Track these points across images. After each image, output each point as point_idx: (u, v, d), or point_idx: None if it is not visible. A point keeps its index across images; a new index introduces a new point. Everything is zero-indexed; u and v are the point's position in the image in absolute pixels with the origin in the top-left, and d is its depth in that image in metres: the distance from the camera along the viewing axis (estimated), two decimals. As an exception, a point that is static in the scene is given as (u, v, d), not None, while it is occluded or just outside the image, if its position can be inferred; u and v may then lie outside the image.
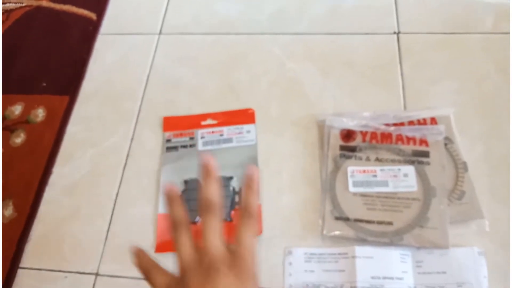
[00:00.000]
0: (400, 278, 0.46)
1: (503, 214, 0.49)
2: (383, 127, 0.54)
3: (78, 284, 0.50)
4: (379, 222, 0.49)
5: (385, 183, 0.51)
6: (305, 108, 0.58)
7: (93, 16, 0.70)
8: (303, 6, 0.67)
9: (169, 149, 0.56)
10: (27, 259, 0.52)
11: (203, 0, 0.70)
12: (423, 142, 0.52)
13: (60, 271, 0.51)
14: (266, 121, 0.58)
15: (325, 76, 0.61)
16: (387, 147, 0.53)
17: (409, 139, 0.53)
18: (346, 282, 0.47)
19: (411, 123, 0.54)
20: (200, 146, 0.56)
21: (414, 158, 0.52)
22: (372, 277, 0.46)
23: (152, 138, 0.58)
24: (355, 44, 0.63)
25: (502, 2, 0.64)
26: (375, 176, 0.51)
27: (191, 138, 0.56)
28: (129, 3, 0.72)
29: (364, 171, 0.52)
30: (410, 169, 0.51)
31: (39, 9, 0.73)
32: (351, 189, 0.51)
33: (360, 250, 0.48)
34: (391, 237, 0.48)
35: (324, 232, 0.49)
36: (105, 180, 0.56)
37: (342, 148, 0.54)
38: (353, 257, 0.48)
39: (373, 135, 0.54)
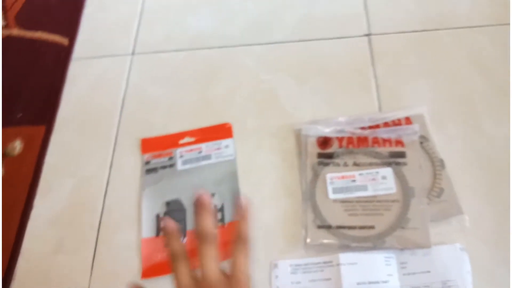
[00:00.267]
0: (386, 282, 0.47)
1: (482, 208, 0.50)
2: (358, 131, 0.54)
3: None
4: (361, 227, 0.49)
5: (364, 187, 0.51)
6: (282, 119, 0.58)
7: (65, 41, 0.70)
8: (274, 16, 0.68)
9: (148, 171, 0.56)
10: (13, 299, 0.52)
11: (174, 17, 0.70)
12: (399, 143, 0.53)
13: (48, 306, 0.51)
14: (244, 134, 0.58)
15: (299, 84, 0.61)
16: (364, 151, 0.53)
17: (385, 141, 0.53)
18: (332, 290, 0.47)
19: (386, 124, 0.55)
20: (179, 166, 0.56)
21: (391, 160, 0.52)
22: (358, 283, 0.47)
23: (131, 162, 0.58)
24: (327, 49, 0.64)
25: (468, -4, 0.65)
26: (354, 181, 0.52)
27: (170, 158, 0.56)
28: (100, 25, 0.71)
29: (342, 177, 0.52)
30: (388, 171, 0.51)
31: (10, 38, 0.72)
32: (331, 196, 0.51)
33: (344, 257, 0.48)
34: (374, 241, 0.48)
35: (308, 241, 0.50)
36: (87, 210, 0.56)
37: (320, 155, 0.54)
38: (338, 264, 0.48)
39: (350, 140, 0.54)
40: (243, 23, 0.68)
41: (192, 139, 0.58)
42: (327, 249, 0.49)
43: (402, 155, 0.52)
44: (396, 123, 0.55)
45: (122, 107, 0.63)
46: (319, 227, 0.50)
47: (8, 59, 0.70)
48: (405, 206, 0.49)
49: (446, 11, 0.64)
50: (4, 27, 0.73)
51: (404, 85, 0.59)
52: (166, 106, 0.62)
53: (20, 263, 0.53)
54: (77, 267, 0.52)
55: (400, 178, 0.51)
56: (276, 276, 0.49)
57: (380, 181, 0.51)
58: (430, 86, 0.59)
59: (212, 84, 0.63)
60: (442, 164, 0.52)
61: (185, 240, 0.51)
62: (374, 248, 0.48)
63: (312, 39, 0.65)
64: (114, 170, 0.58)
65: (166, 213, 0.53)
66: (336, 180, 0.52)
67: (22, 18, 0.74)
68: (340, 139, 0.54)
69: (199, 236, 0.36)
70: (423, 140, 0.53)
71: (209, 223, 0.36)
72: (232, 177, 0.55)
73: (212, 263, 0.35)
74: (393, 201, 0.50)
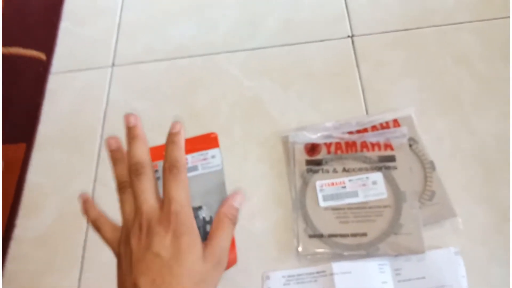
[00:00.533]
0: (381, 289, 0.46)
1: (475, 210, 0.49)
2: (346, 136, 0.53)
3: None
4: (353, 235, 0.48)
5: (355, 194, 0.50)
6: (268, 126, 0.57)
7: (42, 56, 0.68)
8: (256, 21, 0.67)
9: (132, 187, 0.54)
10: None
11: (154, 27, 0.69)
12: (388, 146, 0.52)
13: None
14: (230, 144, 0.57)
15: (284, 90, 0.60)
16: (353, 156, 0.52)
17: (373, 145, 0.52)
18: (327, 301, 0.46)
19: (374, 128, 0.54)
20: (164, 179, 0.54)
21: (381, 164, 0.51)
22: (353, 293, 0.46)
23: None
24: (311, 53, 0.63)
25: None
26: (344, 187, 0.51)
27: (156, 171, 0.55)
28: (78, 37, 0.70)
29: (332, 184, 0.51)
30: (378, 176, 0.51)
31: (-15, 55, 0.70)
32: (322, 203, 0.50)
33: (337, 266, 0.47)
34: (367, 249, 0.47)
35: (300, 251, 0.48)
36: (72, 227, 0.54)
37: (308, 162, 0.53)
38: (331, 274, 0.47)
39: (338, 145, 0.53)
40: (224, 30, 0.67)
41: None
42: (320, 258, 0.48)
43: (391, 159, 0.51)
44: (384, 126, 0.54)
45: (104, 122, 0.61)
46: (311, 236, 0.49)
47: (-16, 76, 0.68)
48: (397, 211, 0.48)
49: (429, 8, 0.64)
50: (-21, 43, 0.71)
51: (390, 86, 0.58)
52: (150, 118, 0.60)
53: (4, 285, 0.51)
54: (63, 287, 0.50)
55: (391, 183, 0.50)
56: (269, 289, 0.48)
57: (371, 187, 0.50)
58: (416, 86, 0.58)
59: (196, 93, 0.61)
60: (432, 166, 0.51)
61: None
62: (367, 255, 0.47)
63: (294, 43, 0.64)
64: (99, 185, 0.56)
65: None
66: (326, 187, 0.51)
67: (-3, 33, 0.72)
68: (328, 145, 0.53)
69: (132, 169, 0.35)
70: (412, 142, 0.53)
71: (141, 152, 0.36)
72: (220, 188, 0.53)
73: (149, 197, 0.34)
74: (385, 206, 0.49)
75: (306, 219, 0.50)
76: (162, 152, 0.55)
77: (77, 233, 0.54)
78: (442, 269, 0.46)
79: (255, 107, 0.59)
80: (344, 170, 0.52)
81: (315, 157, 0.53)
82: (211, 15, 0.68)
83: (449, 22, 0.62)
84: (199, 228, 0.50)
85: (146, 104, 0.62)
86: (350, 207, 0.49)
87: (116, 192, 0.36)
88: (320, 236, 0.49)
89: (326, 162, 0.52)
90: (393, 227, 0.48)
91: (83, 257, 0.52)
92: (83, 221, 0.54)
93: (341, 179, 0.51)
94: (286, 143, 0.55)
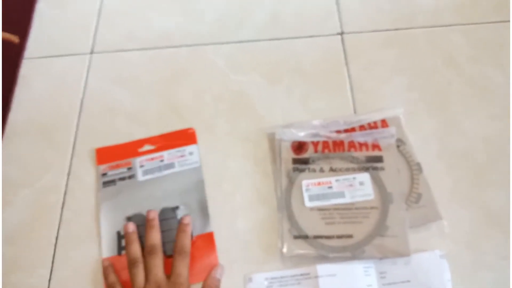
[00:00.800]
0: (365, 293, 0.45)
1: (462, 213, 0.49)
2: (334, 135, 0.52)
3: None
4: (339, 236, 0.47)
5: (341, 194, 0.49)
6: (254, 122, 0.55)
7: (15, 39, 0.64)
8: (244, 13, 0.64)
9: (106, 183, 0.51)
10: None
11: (137, 13, 0.65)
12: (376, 146, 0.51)
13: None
14: (214, 140, 0.54)
15: (271, 85, 0.58)
16: (340, 156, 0.51)
17: (361, 145, 0.51)
18: (311, 304, 0.45)
19: (362, 127, 0.53)
20: (140, 176, 0.51)
21: (368, 165, 0.50)
22: (337, 296, 0.44)
23: (91, 171, 0.53)
24: (300, 48, 0.61)
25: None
26: (331, 187, 0.49)
27: (129, 169, 0.52)
28: (55, 21, 0.66)
29: (319, 183, 0.50)
30: (365, 177, 0.49)
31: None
32: (307, 203, 0.49)
33: (322, 269, 0.46)
34: (352, 251, 0.46)
35: (284, 252, 0.47)
36: (43, 223, 0.51)
37: (295, 161, 0.51)
38: (316, 277, 0.45)
39: (325, 144, 0.52)
40: (211, 20, 0.64)
41: (152, 147, 0.53)
42: (304, 260, 0.47)
43: (379, 159, 0.50)
44: (372, 126, 0.53)
45: (80, 112, 0.58)
46: (296, 237, 0.47)
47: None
48: (384, 213, 0.47)
49: (420, 9, 0.63)
50: None
51: (379, 85, 0.57)
52: (129, 110, 0.58)
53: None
54: (32, 287, 0.47)
55: (378, 184, 0.49)
56: (251, 292, 0.46)
57: (358, 187, 0.49)
58: (405, 87, 0.57)
59: (179, 86, 0.59)
60: (419, 168, 0.50)
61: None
62: (353, 258, 0.46)
63: (284, 37, 0.62)
64: (72, 180, 0.53)
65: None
66: (312, 187, 0.49)
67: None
68: (316, 144, 0.52)
69: (147, 250, 0.46)
70: (400, 143, 0.52)
71: (155, 238, 0.47)
72: (199, 186, 0.51)
73: (158, 271, 0.45)
74: (372, 208, 0.48)
75: (291, 219, 0.48)
76: (135, 149, 0.53)
77: (49, 229, 0.50)
78: (428, 272, 0.45)
79: (241, 101, 0.57)
80: (331, 169, 0.50)
81: (302, 156, 0.51)
82: (197, 3, 0.66)
83: (439, 24, 0.62)
84: (174, 230, 0.48)
85: (126, 94, 0.59)
86: (336, 207, 0.48)
87: (128, 266, 0.46)
88: (305, 237, 0.47)
89: (313, 161, 0.51)
90: (379, 229, 0.47)
91: (54, 255, 0.49)
92: (55, 217, 0.51)
93: (327, 179, 0.50)
94: (272, 140, 0.53)
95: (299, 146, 0.52)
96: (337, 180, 0.50)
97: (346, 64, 0.59)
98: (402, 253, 0.45)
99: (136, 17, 0.65)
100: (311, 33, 0.62)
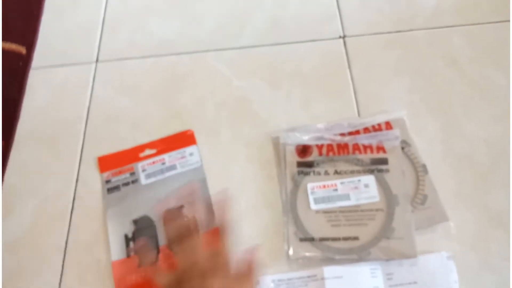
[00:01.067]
0: (372, 295, 0.45)
1: (468, 214, 0.48)
2: (338, 138, 0.52)
3: None
4: (345, 239, 0.47)
5: (346, 197, 0.49)
6: (258, 127, 0.56)
7: (22, 50, 0.65)
8: (244, 18, 0.65)
9: (110, 190, 0.52)
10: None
11: (140, 22, 0.66)
12: (380, 149, 0.51)
13: None
14: (217, 145, 0.55)
15: (274, 90, 0.59)
16: (345, 158, 0.51)
17: (366, 147, 0.51)
18: (318, 307, 0.45)
19: (366, 130, 0.53)
20: (143, 180, 0.52)
21: (373, 167, 0.50)
22: (344, 298, 0.45)
23: (99, 178, 0.54)
24: (301, 52, 0.61)
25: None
26: (336, 190, 0.49)
27: (132, 174, 0.53)
28: (60, 31, 0.67)
29: (324, 186, 0.50)
30: (370, 179, 0.50)
31: (-39, 47, 0.67)
32: (313, 206, 0.49)
33: (329, 271, 0.46)
34: (358, 253, 0.46)
35: (290, 255, 0.47)
36: (52, 229, 0.51)
37: (300, 164, 0.51)
38: (322, 278, 0.46)
39: (329, 147, 0.52)
40: (212, 26, 0.65)
41: (153, 151, 0.54)
42: (311, 262, 0.47)
43: (384, 161, 0.50)
44: (376, 128, 0.53)
45: (87, 119, 0.58)
46: (302, 239, 0.48)
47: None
48: (389, 215, 0.47)
49: (421, 11, 0.63)
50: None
51: (382, 87, 0.58)
52: (134, 117, 0.58)
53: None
54: (41, 295, 0.48)
55: (383, 186, 0.49)
56: (259, 295, 0.46)
57: (363, 190, 0.49)
58: (408, 88, 0.57)
59: (182, 92, 0.59)
60: (424, 169, 0.50)
61: (159, 256, 0.48)
62: (359, 260, 0.46)
63: (285, 42, 0.63)
64: (81, 186, 0.54)
65: (134, 232, 0.49)
66: (318, 190, 0.50)
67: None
68: (320, 147, 0.52)
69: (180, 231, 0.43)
70: (405, 145, 0.52)
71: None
72: (201, 185, 0.52)
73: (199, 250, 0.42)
74: (377, 210, 0.48)
75: (297, 222, 0.48)
76: (136, 154, 0.53)
77: (58, 236, 0.51)
78: (434, 274, 0.45)
79: (244, 107, 0.58)
80: (336, 172, 0.51)
81: (306, 159, 0.52)
82: (198, 11, 0.66)
83: (440, 25, 0.62)
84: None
85: (131, 101, 0.59)
86: (342, 210, 0.48)
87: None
88: (311, 239, 0.47)
89: (318, 164, 0.51)
90: (385, 231, 0.47)
91: (63, 261, 0.50)
92: (64, 224, 0.52)
93: (332, 182, 0.50)
94: (276, 144, 0.54)
95: (303, 150, 0.52)
96: (342, 183, 0.50)
97: (349, 67, 0.60)
98: (409, 254, 0.46)
99: (139, 26, 0.66)
100: (312, 37, 0.62)
